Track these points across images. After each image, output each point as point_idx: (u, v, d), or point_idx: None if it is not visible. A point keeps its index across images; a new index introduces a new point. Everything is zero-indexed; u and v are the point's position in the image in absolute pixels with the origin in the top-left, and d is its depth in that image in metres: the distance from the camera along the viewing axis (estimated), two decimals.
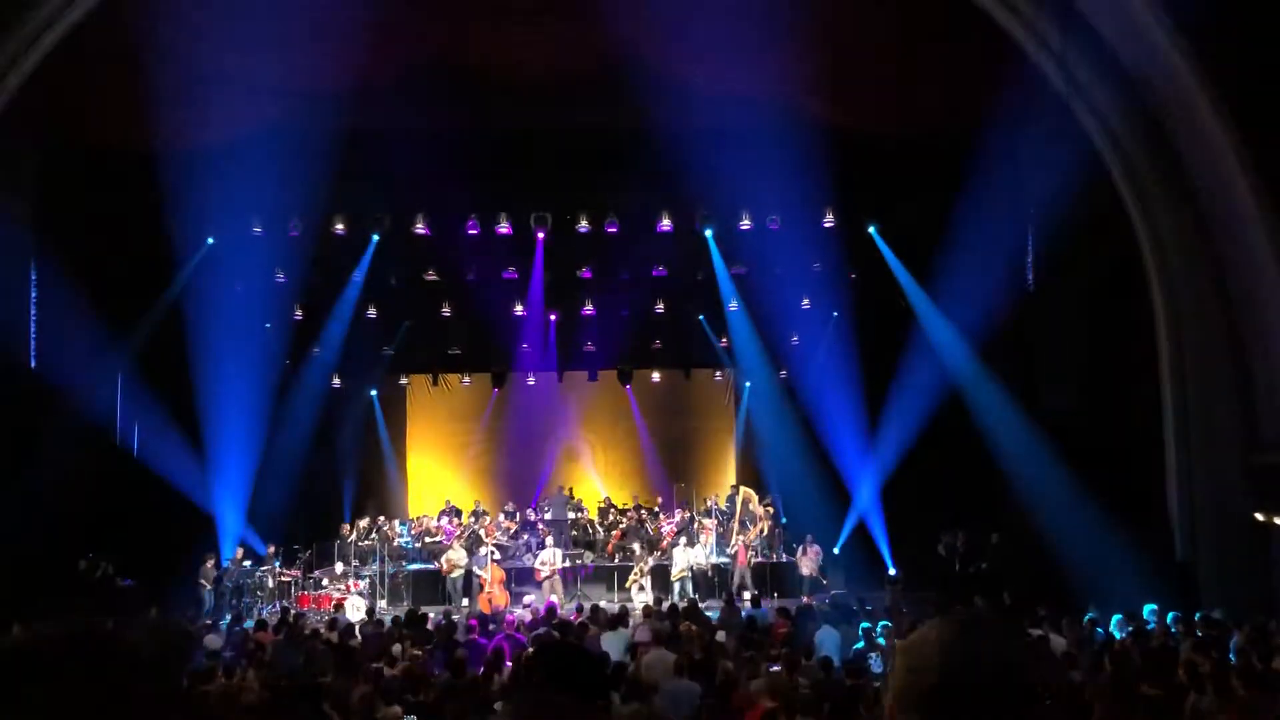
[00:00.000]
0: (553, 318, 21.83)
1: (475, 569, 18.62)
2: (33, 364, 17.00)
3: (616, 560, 19.62)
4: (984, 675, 1.79)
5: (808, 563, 19.14)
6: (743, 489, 21.05)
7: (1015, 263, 17.98)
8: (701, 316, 21.90)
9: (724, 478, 23.34)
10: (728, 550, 19.35)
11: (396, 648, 11.52)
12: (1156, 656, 9.87)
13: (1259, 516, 14.72)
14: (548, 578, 18.52)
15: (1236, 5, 12.95)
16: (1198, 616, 12.45)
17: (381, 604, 18.50)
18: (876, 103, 16.17)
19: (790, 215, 19.41)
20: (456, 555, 18.82)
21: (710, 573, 19.05)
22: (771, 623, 13.21)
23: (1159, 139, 14.99)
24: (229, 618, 15.88)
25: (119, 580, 17.17)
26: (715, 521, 20.24)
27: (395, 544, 19.98)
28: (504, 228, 19.49)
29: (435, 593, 18.83)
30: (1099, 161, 15.46)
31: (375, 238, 19.71)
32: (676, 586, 18.54)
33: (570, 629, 12.36)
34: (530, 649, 10.70)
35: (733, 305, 21.11)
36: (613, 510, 21.66)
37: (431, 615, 14.58)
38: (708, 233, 20.04)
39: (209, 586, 17.99)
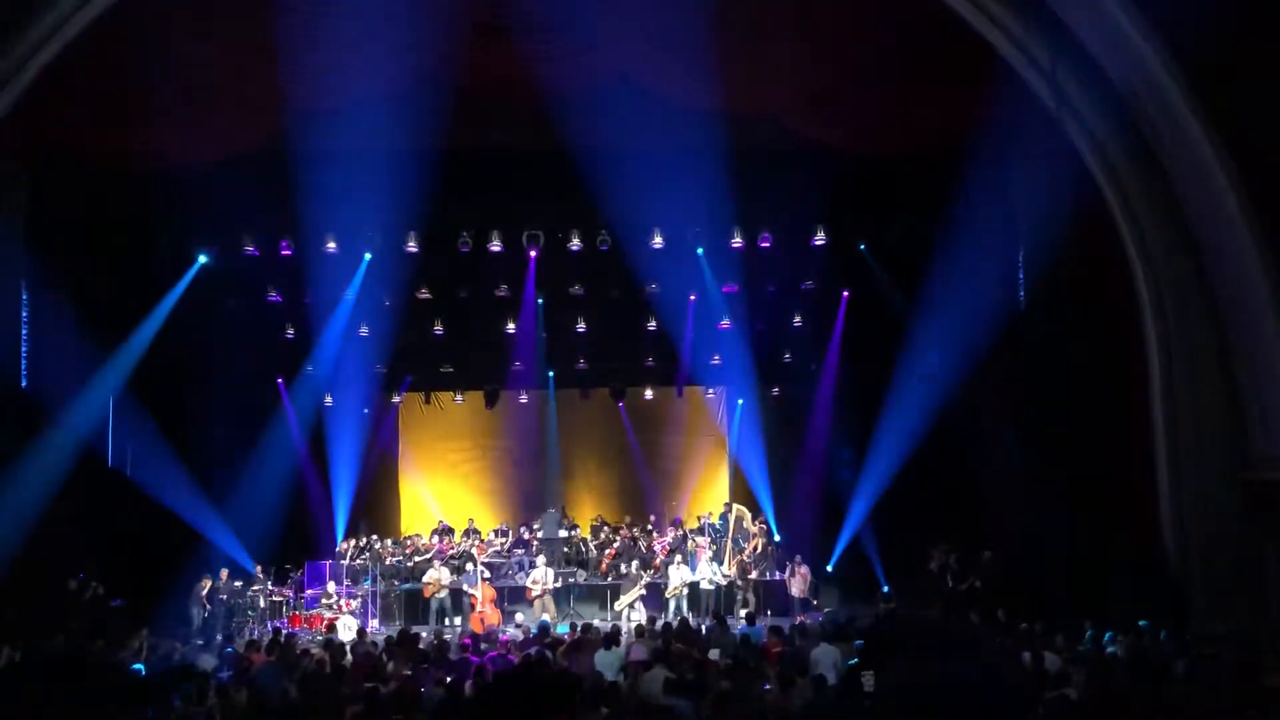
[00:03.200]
0: (545, 335, 21.83)
1: (466, 587, 18.56)
2: (24, 383, 16.95)
3: (610, 579, 19.56)
4: None
5: (797, 583, 19.10)
6: (736, 507, 21.02)
7: (1006, 280, 18.04)
8: (693, 334, 21.93)
9: (717, 495, 23.31)
10: (723, 569, 19.29)
11: (389, 667, 11.47)
12: (1150, 673, 9.85)
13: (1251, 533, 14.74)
14: (539, 596, 18.48)
15: (1224, 20, 13.01)
16: (1190, 633, 12.45)
17: (374, 623, 18.42)
18: (868, 121, 16.23)
19: (782, 233, 19.46)
20: (439, 574, 18.74)
21: (714, 589, 18.91)
22: (765, 641, 13.17)
23: (1148, 156, 15.05)
24: (221, 637, 15.82)
25: (109, 601, 17.07)
26: (708, 539, 20.21)
27: (388, 563, 19.92)
28: (496, 246, 19.50)
29: (428, 612, 18.75)
30: (1089, 179, 15.52)
31: (367, 256, 19.71)
32: (671, 605, 18.50)
33: (563, 647, 12.32)
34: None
35: (725, 323, 21.14)
36: (605, 528, 21.62)
37: (424, 635, 14.51)
38: (699, 250, 20.07)
39: (207, 607, 17.89)
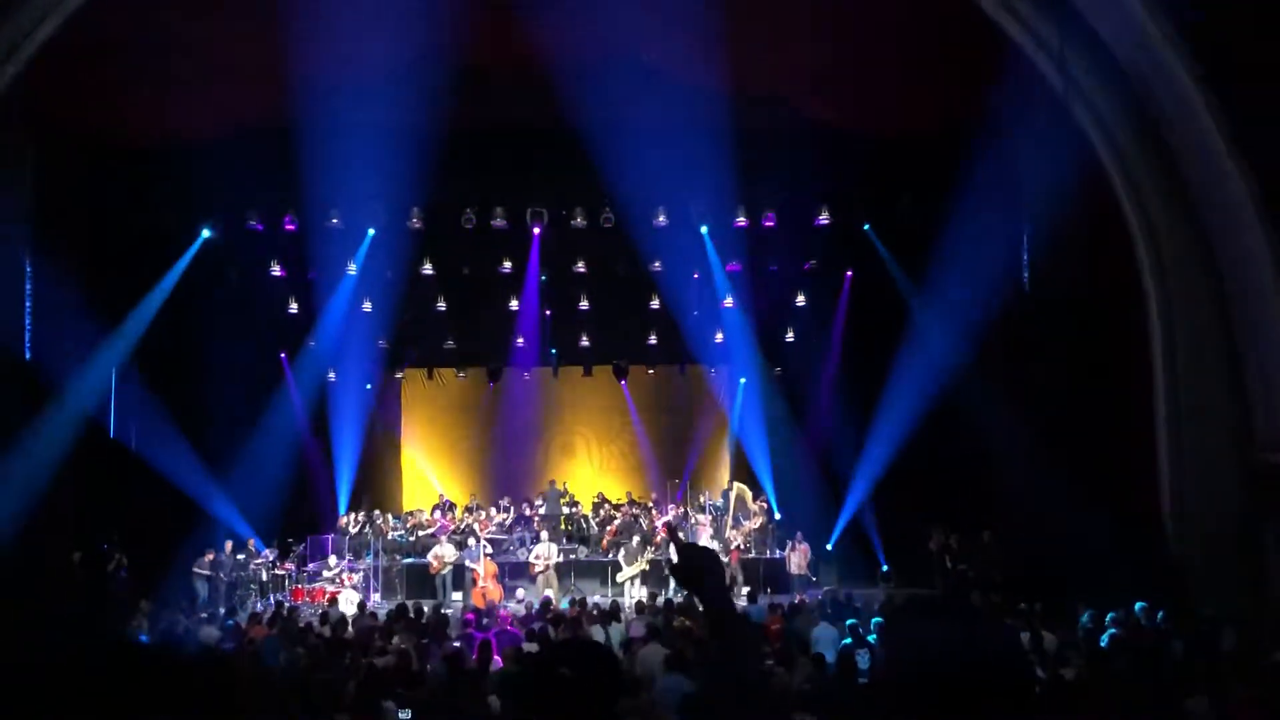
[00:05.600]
0: (548, 313, 21.84)
1: (468, 563, 18.65)
2: (28, 356, 16.97)
3: (611, 555, 19.64)
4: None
5: (796, 560, 19.19)
6: (737, 485, 21.08)
7: (1010, 262, 18.01)
8: (697, 312, 21.93)
9: (718, 474, 23.37)
10: (730, 546, 19.36)
11: (391, 641, 11.53)
12: (1147, 654, 9.90)
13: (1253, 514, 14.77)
14: (542, 572, 18.56)
15: (1233, 5, 12.96)
16: (1188, 614, 12.49)
17: (375, 598, 18.52)
18: (873, 101, 16.20)
19: (786, 212, 19.43)
20: (445, 551, 18.84)
21: None
22: (765, 619, 13.24)
23: (1156, 138, 15.00)
24: (224, 610, 15.90)
25: (123, 573, 17.18)
26: (710, 517, 20.26)
27: (389, 538, 20.01)
28: (500, 222, 19.49)
29: (429, 587, 18.84)
30: (1095, 161, 15.47)
31: (371, 231, 19.71)
32: (671, 582, 18.56)
33: (564, 623, 12.39)
34: (528, 646, 10.72)
35: (728, 302, 21.14)
36: (607, 505, 21.68)
37: (426, 609, 14.60)
38: (703, 229, 20.04)
39: (205, 574, 17.98)
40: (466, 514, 20.92)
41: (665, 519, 19.98)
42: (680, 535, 18.03)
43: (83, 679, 1.56)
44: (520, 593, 18.07)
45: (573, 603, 15.28)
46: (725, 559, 19.00)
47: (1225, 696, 7.87)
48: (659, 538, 19.63)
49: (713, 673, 2.67)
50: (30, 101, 15.29)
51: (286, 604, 16.70)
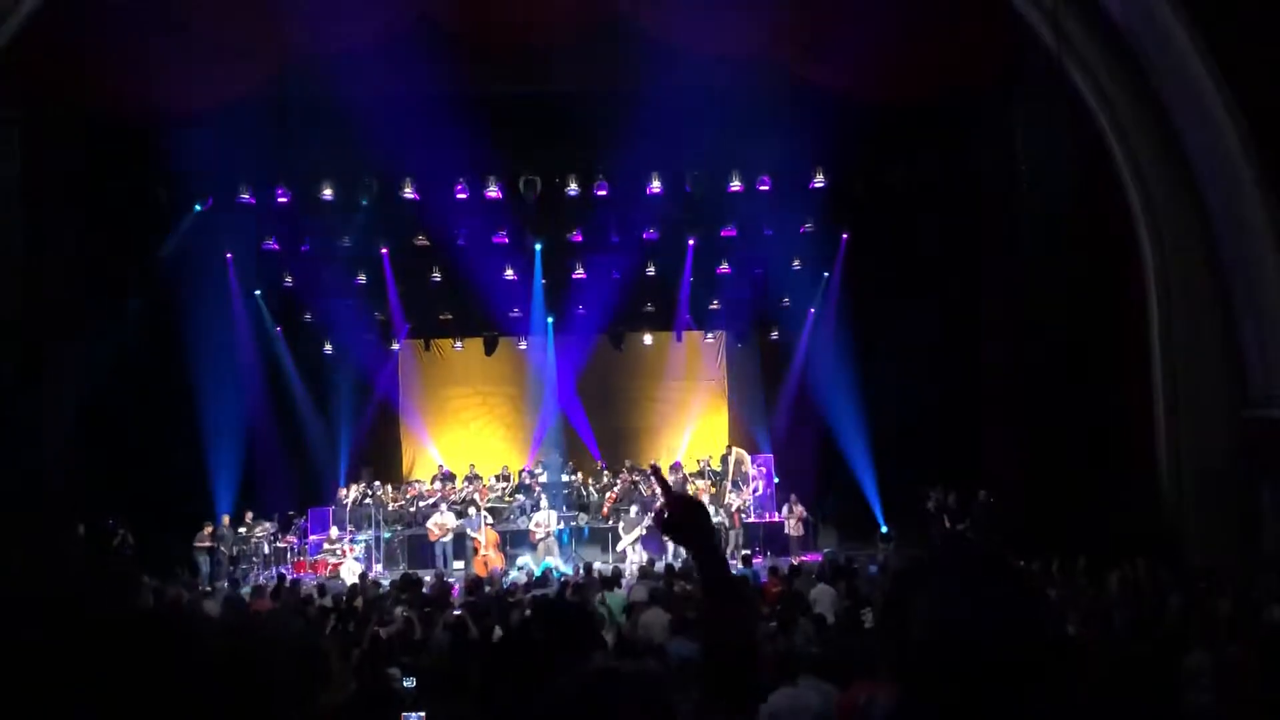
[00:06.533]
0: (543, 282, 21.79)
1: (469, 532, 18.72)
2: (21, 333, 16.91)
3: (611, 522, 19.72)
4: (982, 633, 1.69)
5: (793, 523, 19.30)
6: (735, 450, 21.13)
7: (1006, 223, 17.98)
8: (693, 278, 21.88)
9: (717, 439, 23.40)
10: (723, 512, 19.44)
11: (395, 611, 11.59)
12: (1147, 610, 9.97)
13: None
14: (542, 539, 18.63)
15: None
16: (1184, 568, 12.57)
17: (377, 568, 18.58)
18: (868, 63, 16.06)
19: (781, 176, 19.33)
20: (444, 519, 18.90)
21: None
22: (764, 582, 13.31)
23: (1149, 94, 14.96)
24: (226, 584, 15.96)
25: (127, 550, 17.22)
26: (709, 482, 20.32)
27: (390, 509, 20.06)
28: (493, 191, 19.39)
29: (430, 557, 18.92)
30: (1091, 122, 15.43)
31: (364, 203, 19.61)
32: (670, 547, 18.62)
33: (566, 590, 12.45)
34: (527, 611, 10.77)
35: (724, 267, 21.10)
36: (606, 473, 21.73)
37: (427, 579, 14.67)
38: (698, 194, 19.95)
39: (206, 547, 18.03)
40: (466, 484, 20.94)
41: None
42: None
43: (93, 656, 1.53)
44: (521, 560, 18.17)
45: (576, 569, 15.37)
46: (726, 522, 19.12)
47: (1224, 653, 7.93)
48: (659, 504, 19.67)
49: (710, 635, 2.43)
50: (17, 75, 15.16)
51: (289, 576, 16.75)
